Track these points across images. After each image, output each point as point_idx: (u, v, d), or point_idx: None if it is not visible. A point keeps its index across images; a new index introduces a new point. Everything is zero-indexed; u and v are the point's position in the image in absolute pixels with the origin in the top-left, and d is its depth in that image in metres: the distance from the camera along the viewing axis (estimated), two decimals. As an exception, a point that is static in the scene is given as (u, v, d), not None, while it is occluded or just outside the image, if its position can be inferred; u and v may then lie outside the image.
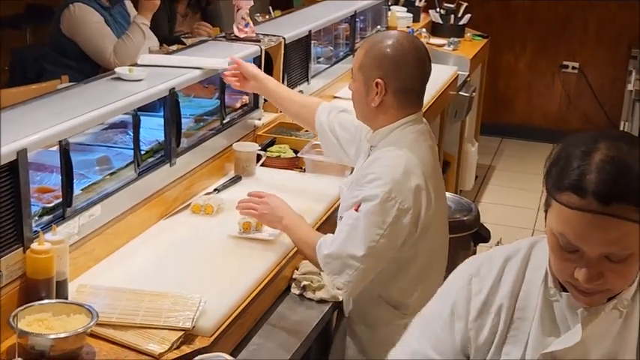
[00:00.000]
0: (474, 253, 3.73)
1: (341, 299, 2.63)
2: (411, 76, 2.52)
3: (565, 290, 1.59)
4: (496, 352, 1.65)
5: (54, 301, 2.13)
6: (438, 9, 6.14)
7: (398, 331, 2.48)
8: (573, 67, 7.57)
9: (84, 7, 4.15)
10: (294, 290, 2.66)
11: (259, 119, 3.61)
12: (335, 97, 4.49)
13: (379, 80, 2.50)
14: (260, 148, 3.39)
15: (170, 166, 2.88)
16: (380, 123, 2.56)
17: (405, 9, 6.01)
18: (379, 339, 2.58)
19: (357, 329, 2.64)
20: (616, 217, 1.42)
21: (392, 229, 2.44)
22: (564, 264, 1.51)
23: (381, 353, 2.49)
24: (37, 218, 2.28)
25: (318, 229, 2.89)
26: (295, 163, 3.37)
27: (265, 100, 3.69)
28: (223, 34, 3.76)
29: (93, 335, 2.09)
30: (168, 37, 4.66)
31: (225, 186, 3.16)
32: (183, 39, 4.58)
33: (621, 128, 6.46)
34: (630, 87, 6.29)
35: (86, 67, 4.12)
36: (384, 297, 2.59)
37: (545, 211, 1.54)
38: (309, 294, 2.63)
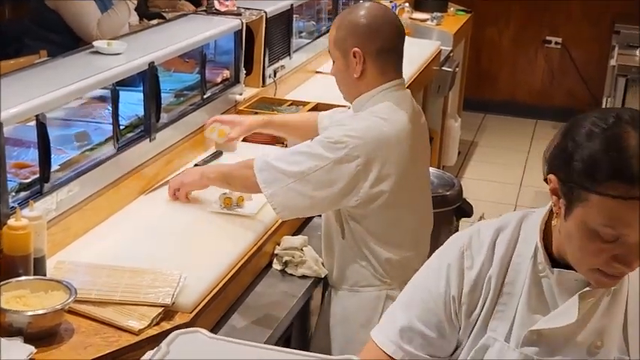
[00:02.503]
0: (457, 228, 3.73)
1: (323, 275, 2.63)
2: (385, 37, 2.53)
3: (555, 266, 1.57)
4: (482, 327, 1.64)
5: (31, 277, 2.10)
6: (421, -17, 6.11)
7: (379, 294, 2.52)
8: (556, 43, 7.56)
9: None
10: (276, 266, 2.65)
11: (240, 94, 3.59)
12: (317, 72, 4.47)
13: (356, 49, 2.50)
14: (241, 123, 3.35)
15: (150, 141, 2.85)
16: (362, 91, 2.56)
17: (388, -17, 5.98)
18: (362, 302, 2.58)
19: (340, 294, 2.63)
20: None
21: (333, 167, 2.42)
22: (601, 253, 1.48)
23: (364, 317, 2.51)
24: (13, 194, 2.26)
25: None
26: (277, 139, 3.34)
27: (247, 75, 3.68)
28: (204, 8, 3.72)
29: (71, 312, 2.07)
30: (146, 11, 4.61)
31: (205, 161, 3.13)
32: (163, 13, 4.54)
33: (604, 104, 6.46)
34: (613, 62, 6.27)
35: (68, 41, 4.07)
36: (365, 259, 2.56)
37: (569, 207, 1.49)
38: (290, 269, 2.62)
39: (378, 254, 2.54)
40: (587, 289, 1.54)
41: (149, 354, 1.21)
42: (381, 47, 2.51)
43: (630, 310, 1.58)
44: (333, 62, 2.60)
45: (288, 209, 2.49)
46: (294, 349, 2.20)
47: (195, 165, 3.08)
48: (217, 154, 3.20)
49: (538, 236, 1.61)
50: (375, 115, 2.50)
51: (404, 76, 2.64)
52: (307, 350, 2.66)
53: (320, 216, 2.72)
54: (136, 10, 4.28)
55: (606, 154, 1.42)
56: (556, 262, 1.57)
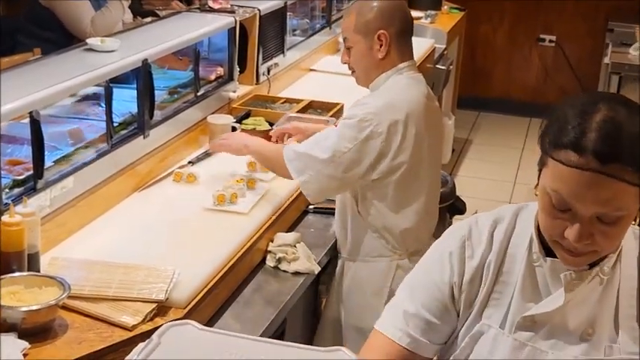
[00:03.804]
0: (450, 225, 3.73)
1: (317, 272, 2.64)
2: (402, 20, 2.70)
3: (549, 256, 1.60)
4: (477, 315, 1.66)
5: (25, 273, 2.11)
6: (415, -19, 6.11)
7: (390, 264, 2.66)
8: (550, 41, 7.57)
9: None
10: (270, 262, 2.66)
11: (234, 91, 3.60)
12: (311, 70, 4.48)
13: (382, 32, 2.65)
14: (235, 120, 3.37)
15: (143, 138, 2.86)
16: (382, 71, 2.70)
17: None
18: (373, 272, 2.69)
19: (353, 265, 2.74)
20: (613, 177, 1.43)
21: (360, 147, 2.56)
22: (555, 222, 1.52)
23: (375, 285, 2.65)
24: (7, 190, 2.27)
25: (294, 201, 2.90)
26: (271, 136, 3.35)
27: (240, 73, 3.68)
28: (197, 6, 3.73)
29: (65, 307, 2.08)
30: (140, 9, 4.61)
31: (199, 158, 3.14)
32: (157, 11, 4.54)
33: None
34: (607, 60, 6.29)
35: (61, 38, 4.07)
36: (378, 231, 2.68)
37: (539, 170, 1.55)
38: (284, 266, 2.63)
39: (391, 225, 2.66)
40: (569, 272, 1.57)
41: (141, 346, 1.23)
42: (400, 29, 2.68)
43: (622, 301, 1.60)
44: (348, 49, 2.72)
45: (320, 193, 2.65)
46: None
47: (189, 162, 3.09)
48: (211, 152, 3.20)
49: (533, 226, 1.64)
50: (390, 91, 2.65)
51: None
52: (319, 321, 2.83)
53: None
54: (129, 7, 4.28)
55: (571, 124, 1.47)
56: (550, 251, 1.60)
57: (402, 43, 2.70)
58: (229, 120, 3.32)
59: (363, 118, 2.57)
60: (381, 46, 2.65)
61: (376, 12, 2.67)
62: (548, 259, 1.61)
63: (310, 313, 2.91)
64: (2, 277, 2.05)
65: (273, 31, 3.94)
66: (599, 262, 1.59)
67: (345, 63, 2.77)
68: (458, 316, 1.69)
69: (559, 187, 1.48)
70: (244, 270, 2.56)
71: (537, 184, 1.57)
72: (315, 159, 2.58)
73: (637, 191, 1.47)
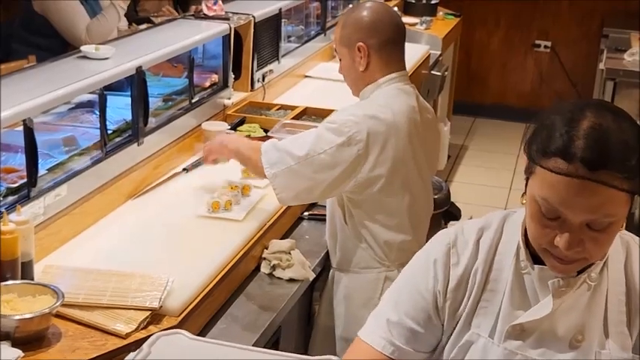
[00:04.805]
0: (445, 231, 3.73)
1: (311, 278, 2.64)
2: (386, 31, 2.65)
3: (537, 263, 1.61)
4: (466, 324, 1.66)
5: (19, 281, 2.11)
6: (410, -13, 6.12)
7: (379, 276, 2.64)
8: (545, 46, 7.58)
9: None
10: (264, 269, 2.66)
11: (229, 98, 3.60)
12: (306, 76, 4.48)
13: (360, 44, 2.62)
14: (229, 127, 3.37)
15: (138, 145, 2.86)
16: (368, 83, 2.68)
17: (377, -13, 5.98)
18: (362, 283, 2.68)
19: (342, 276, 2.73)
20: (602, 184, 1.44)
21: (337, 151, 2.52)
22: (544, 231, 1.52)
23: (364, 297, 2.65)
24: (1, 199, 2.27)
25: (288, 208, 2.89)
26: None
27: (235, 79, 3.69)
28: (192, 13, 3.73)
29: (59, 316, 2.08)
30: (135, 16, 4.62)
31: (194, 165, 3.14)
32: (152, 18, 4.54)
33: (593, 107, 6.45)
34: (602, 66, 6.29)
35: (56, 46, 4.07)
36: (365, 242, 2.66)
37: (526, 179, 1.56)
38: (278, 273, 2.63)
39: (377, 237, 2.64)
40: (557, 278, 1.58)
41: (131, 355, 1.22)
42: (384, 41, 2.64)
43: (610, 306, 1.61)
44: (340, 60, 2.72)
45: (287, 190, 2.57)
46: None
47: (184, 169, 3.08)
48: (206, 158, 3.20)
49: (520, 234, 1.64)
50: (375, 102, 2.62)
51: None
52: (312, 329, 2.82)
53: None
54: (124, 15, 4.29)
55: (558, 131, 1.48)
56: (537, 259, 1.60)
57: (387, 55, 2.64)
58: (224, 127, 3.32)
59: (342, 124, 2.54)
60: (361, 58, 2.63)
61: (356, 24, 2.64)
62: (536, 266, 1.61)
63: (305, 320, 2.91)
64: (-4, 285, 2.06)
65: (267, 38, 3.94)
66: (587, 269, 1.60)
67: (341, 73, 2.76)
68: (442, 324, 1.69)
69: (548, 195, 1.48)
70: (239, 277, 2.55)
71: (524, 193, 1.58)
72: (290, 154, 2.54)
73: (625, 197, 1.48)
